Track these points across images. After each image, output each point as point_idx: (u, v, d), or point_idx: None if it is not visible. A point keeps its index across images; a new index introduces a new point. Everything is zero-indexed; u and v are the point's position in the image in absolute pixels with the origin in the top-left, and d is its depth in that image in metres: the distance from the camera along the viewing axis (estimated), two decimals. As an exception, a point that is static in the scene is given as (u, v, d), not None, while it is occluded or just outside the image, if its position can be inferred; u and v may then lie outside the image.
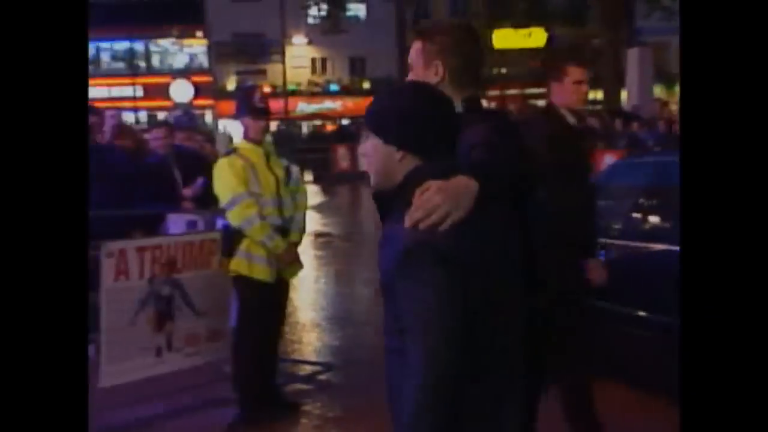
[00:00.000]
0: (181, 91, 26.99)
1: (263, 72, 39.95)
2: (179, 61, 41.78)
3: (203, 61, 41.55)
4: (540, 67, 34.80)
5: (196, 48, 41.83)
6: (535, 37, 38.37)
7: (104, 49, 42.09)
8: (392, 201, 2.23)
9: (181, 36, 41.05)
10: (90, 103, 9.39)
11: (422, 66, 2.78)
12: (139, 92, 31.93)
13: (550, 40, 37.78)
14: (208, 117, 38.75)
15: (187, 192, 6.95)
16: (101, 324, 4.95)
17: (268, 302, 5.21)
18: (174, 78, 29.05)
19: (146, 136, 8.02)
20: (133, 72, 31.86)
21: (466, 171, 2.23)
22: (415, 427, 2.07)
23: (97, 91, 39.24)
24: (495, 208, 2.26)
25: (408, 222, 2.11)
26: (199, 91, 28.96)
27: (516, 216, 2.41)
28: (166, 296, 5.24)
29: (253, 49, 39.65)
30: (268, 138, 5.51)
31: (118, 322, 5.02)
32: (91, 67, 43.08)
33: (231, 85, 40.46)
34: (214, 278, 5.49)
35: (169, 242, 5.35)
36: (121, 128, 8.33)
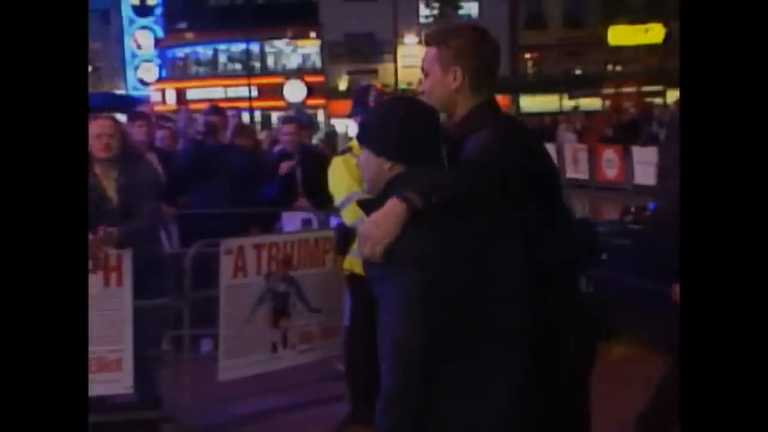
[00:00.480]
0: (295, 91, 27.43)
1: (375, 72, 40.27)
2: (292, 62, 42.55)
3: (316, 61, 42.19)
4: (657, 64, 33.95)
5: (309, 48, 42.52)
6: (653, 33, 37.35)
7: (221, 51, 43.29)
8: (376, 208, 2.36)
9: (295, 37, 41.80)
10: (214, 103, 9.70)
11: (440, 72, 2.75)
12: (254, 92, 32.64)
13: (668, 36, 36.74)
14: (320, 116, 39.33)
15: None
16: (220, 320, 5.10)
17: None
18: (287, 78, 29.58)
19: (276, 131, 8.21)
20: (248, 73, 32.57)
21: (441, 177, 2.38)
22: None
23: (214, 91, 40.42)
24: (487, 217, 2.38)
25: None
26: (311, 91, 29.40)
27: (522, 223, 2.48)
28: (282, 293, 5.35)
29: (365, 48, 40.03)
30: None
31: (236, 318, 5.15)
32: (208, 69, 44.38)
33: (343, 85, 40.95)
34: (329, 276, 5.57)
35: (286, 240, 5.46)
36: (241, 127, 8.54)
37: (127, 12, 48.52)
